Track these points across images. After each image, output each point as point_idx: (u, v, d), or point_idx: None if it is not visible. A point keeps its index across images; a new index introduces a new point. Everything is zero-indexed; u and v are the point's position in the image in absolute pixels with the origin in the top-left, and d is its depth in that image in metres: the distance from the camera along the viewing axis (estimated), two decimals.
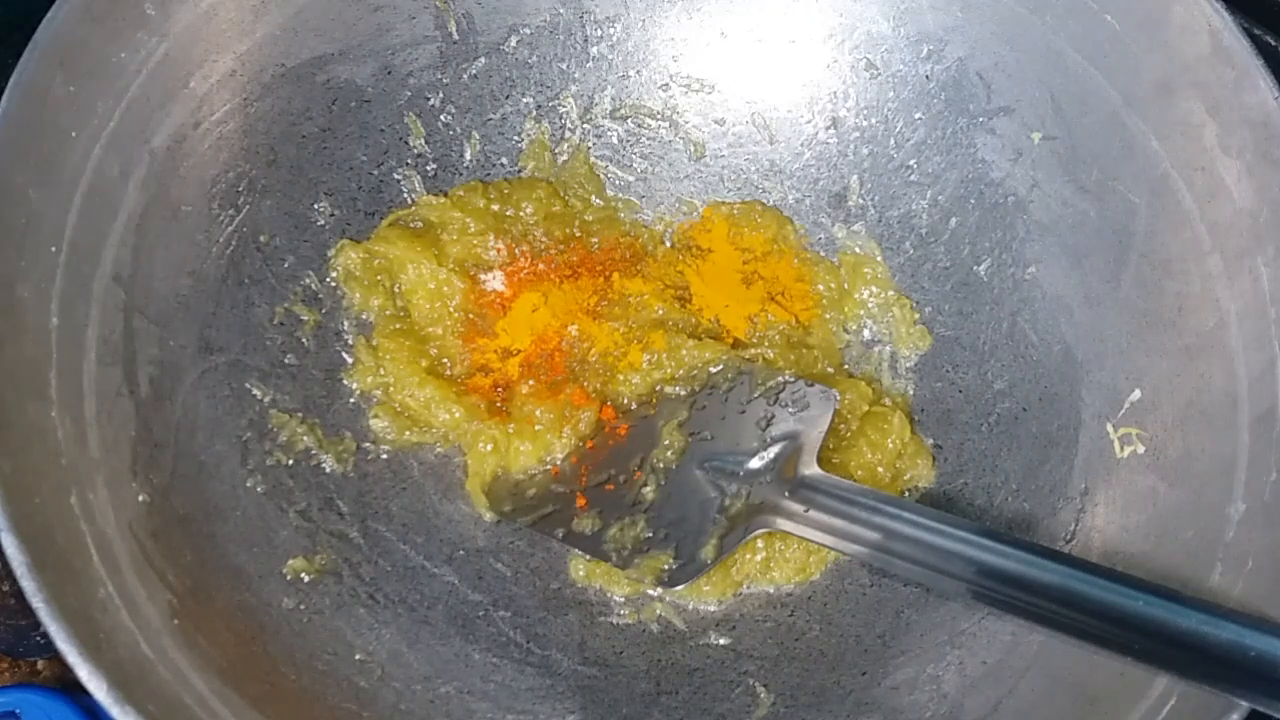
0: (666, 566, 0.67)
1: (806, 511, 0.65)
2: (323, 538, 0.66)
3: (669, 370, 0.72)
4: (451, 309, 0.73)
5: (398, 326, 0.72)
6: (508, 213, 0.75)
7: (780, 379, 0.71)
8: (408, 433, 0.71)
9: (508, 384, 0.72)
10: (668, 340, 0.72)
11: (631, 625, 0.68)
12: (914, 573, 0.60)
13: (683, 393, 0.72)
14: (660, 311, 0.74)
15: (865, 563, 0.68)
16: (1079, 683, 0.60)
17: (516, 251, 0.75)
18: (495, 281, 0.74)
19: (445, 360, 0.72)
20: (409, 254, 0.72)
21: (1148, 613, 0.53)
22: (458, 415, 0.71)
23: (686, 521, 0.68)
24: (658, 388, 0.72)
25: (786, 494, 0.66)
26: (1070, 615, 0.55)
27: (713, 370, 0.72)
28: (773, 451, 0.68)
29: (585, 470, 0.70)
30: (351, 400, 0.71)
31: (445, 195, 0.75)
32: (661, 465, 0.70)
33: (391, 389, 0.71)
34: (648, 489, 0.69)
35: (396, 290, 0.73)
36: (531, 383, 0.72)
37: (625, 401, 0.72)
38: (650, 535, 0.68)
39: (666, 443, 0.70)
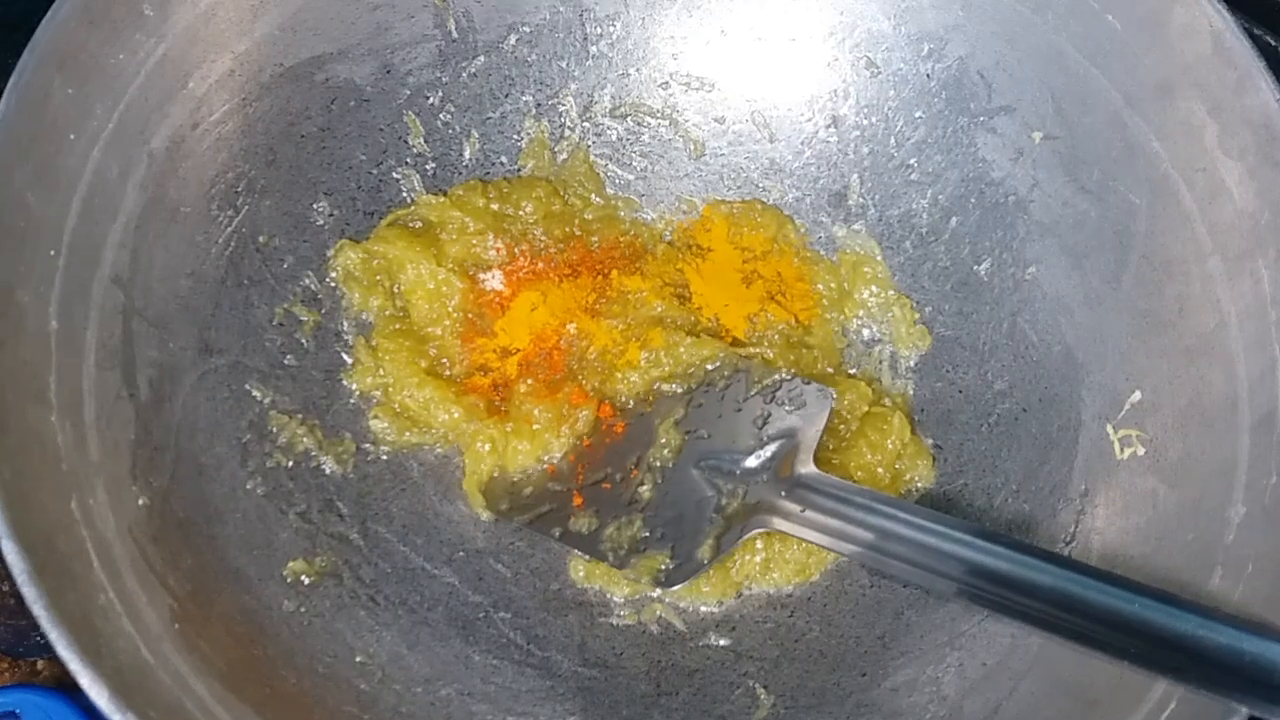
0: (663, 566, 0.67)
1: (803, 511, 0.65)
2: (323, 540, 0.66)
3: (667, 368, 0.72)
4: (450, 309, 0.73)
5: (397, 327, 0.72)
6: (507, 212, 0.75)
7: (777, 377, 0.71)
8: (407, 433, 0.71)
9: (507, 383, 0.72)
10: (666, 338, 0.72)
11: (631, 626, 0.68)
12: (908, 573, 0.61)
13: (680, 390, 0.72)
14: (659, 309, 0.73)
15: (861, 563, 0.68)
16: (1078, 686, 0.60)
17: (516, 251, 0.75)
18: (494, 281, 0.74)
19: (445, 360, 0.72)
20: (408, 254, 0.72)
21: (1144, 616, 0.53)
22: (457, 415, 0.71)
23: (683, 521, 0.68)
24: (655, 385, 0.72)
25: (783, 493, 0.66)
26: (1065, 618, 0.55)
27: (710, 368, 0.72)
28: (769, 450, 0.68)
29: (582, 469, 0.70)
30: (351, 401, 0.70)
31: (444, 195, 0.75)
32: (658, 464, 0.70)
33: (391, 389, 0.71)
34: (644, 488, 0.69)
35: (396, 290, 0.73)
36: (530, 381, 0.72)
37: (623, 400, 0.72)
38: (647, 535, 0.68)
39: (663, 441, 0.70)
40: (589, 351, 0.73)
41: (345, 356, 0.71)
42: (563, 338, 0.74)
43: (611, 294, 0.74)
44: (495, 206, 0.75)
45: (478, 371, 0.73)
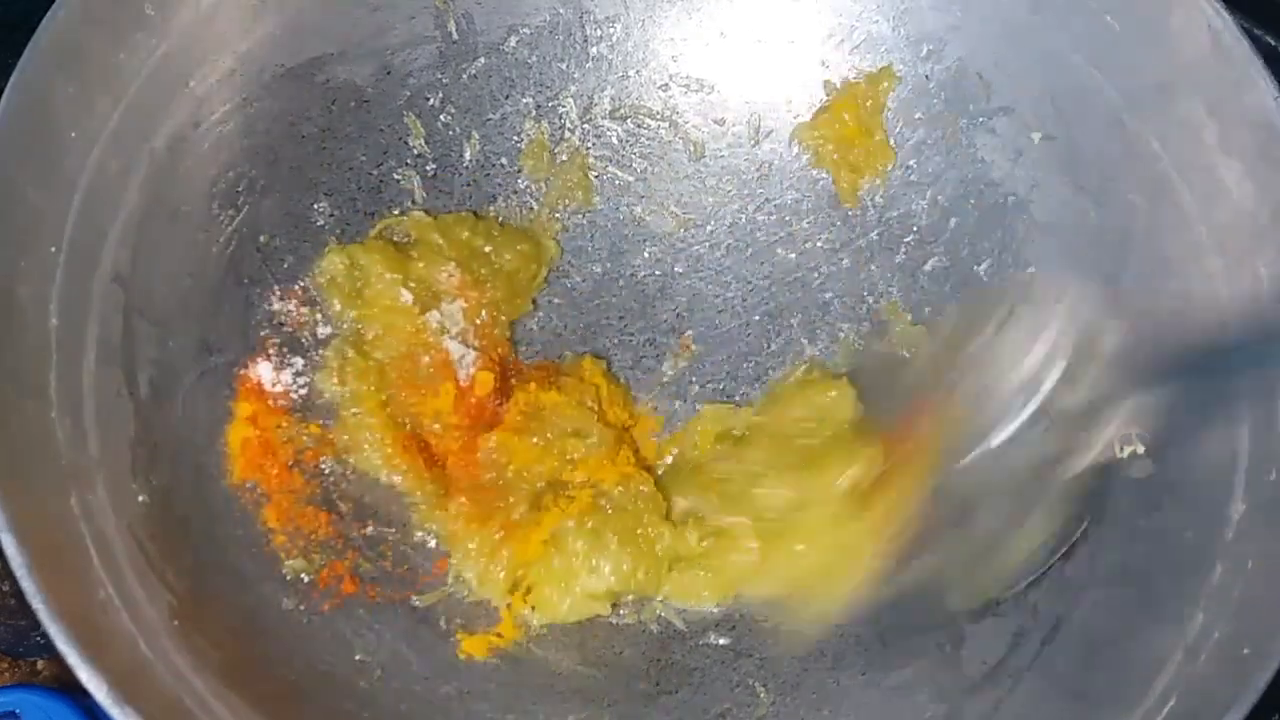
0: None
1: None
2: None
3: None
4: (405, 345, 0.69)
5: (367, 345, 0.69)
6: (485, 250, 0.73)
7: None
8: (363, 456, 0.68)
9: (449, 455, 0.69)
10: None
11: (631, 625, 0.68)
12: None
13: None
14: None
15: None
16: (1079, 684, 0.60)
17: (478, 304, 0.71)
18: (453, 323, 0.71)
19: (398, 398, 0.68)
20: (384, 266, 0.70)
21: None
22: (405, 466, 0.67)
23: None
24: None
25: None
26: None
27: None
28: None
29: None
30: None
31: (433, 216, 0.73)
32: None
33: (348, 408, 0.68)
34: None
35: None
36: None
37: None
38: None
39: None
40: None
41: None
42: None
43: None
44: (478, 242, 0.73)
45: (423, 422, 0.69)
